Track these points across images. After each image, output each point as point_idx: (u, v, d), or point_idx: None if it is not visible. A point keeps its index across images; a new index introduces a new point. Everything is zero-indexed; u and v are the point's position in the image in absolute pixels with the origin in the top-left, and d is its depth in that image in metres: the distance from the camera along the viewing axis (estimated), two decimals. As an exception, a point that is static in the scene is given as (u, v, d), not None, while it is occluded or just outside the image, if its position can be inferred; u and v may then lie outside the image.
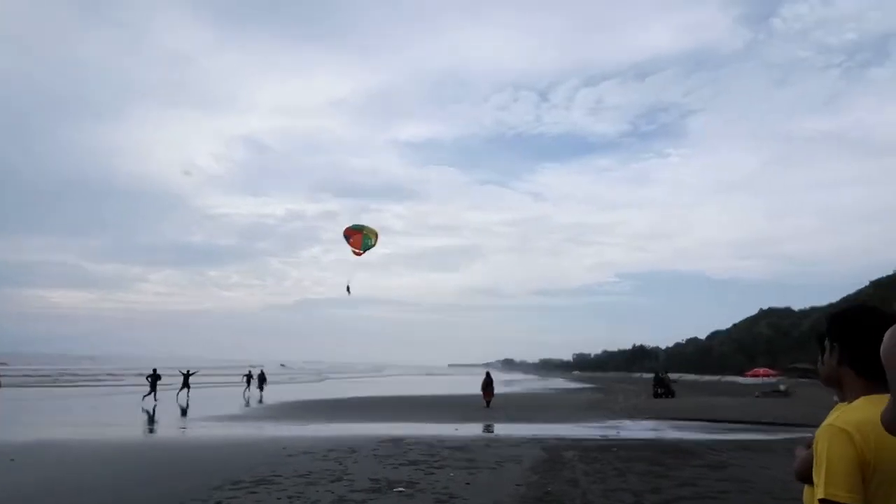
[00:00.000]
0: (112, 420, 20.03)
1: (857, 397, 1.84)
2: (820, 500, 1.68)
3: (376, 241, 19.25)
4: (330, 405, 29.79)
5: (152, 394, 27.86)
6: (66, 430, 16.73)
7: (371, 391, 43.27)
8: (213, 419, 21.71)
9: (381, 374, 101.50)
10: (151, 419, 21.60)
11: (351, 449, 12.95)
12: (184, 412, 25.13)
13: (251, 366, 46.58)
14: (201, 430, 18.37)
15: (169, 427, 18.12)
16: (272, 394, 36.24)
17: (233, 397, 32.75)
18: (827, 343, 2.02)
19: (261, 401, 31.73)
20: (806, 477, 2.59)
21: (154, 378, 28.14)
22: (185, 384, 30.71)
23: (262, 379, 37.30)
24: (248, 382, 36.53)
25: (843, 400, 2.59)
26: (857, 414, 1.75)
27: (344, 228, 19.33)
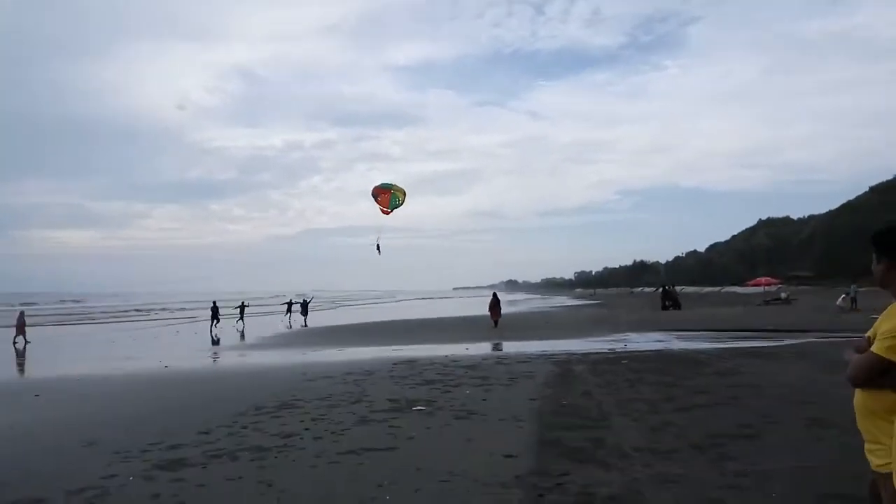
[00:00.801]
0: (136, 353, 20.44)
1: None
2: None
3: (404, 199, 19.47)
4: (343, 331, 30.35)
5: (215, 321, 32.14)
6: (99, 365, 17.11)
7: (381, 317, 43.99)
8: (231, 348, 22.16)
9: (389, 300, 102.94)
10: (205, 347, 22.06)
11: (367, 372, 13.24)
12: (242, 336, 28.96)
13: (296, 294, 52.25)
14: (221, 359, 18.77)
15: (187, 359, 18.49)
16: (273, 324, 36.97)
17: (251, 326, 33.32)
18: (875, 255, 2.62)
19: (305, 325, 35.61)
20: (863, 381, 2.60)
21: (214, 310, 32.90)
22: (241, 315, 34.91)
23: (305, 307, 40.24)
24: (289, 309, 39.92)
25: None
26: None
27: (373, 187, 19.49)
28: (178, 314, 54.80)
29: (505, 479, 5.59)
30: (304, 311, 39.75)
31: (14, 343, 24.48)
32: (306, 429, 7.98)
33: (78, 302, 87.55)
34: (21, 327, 25.65)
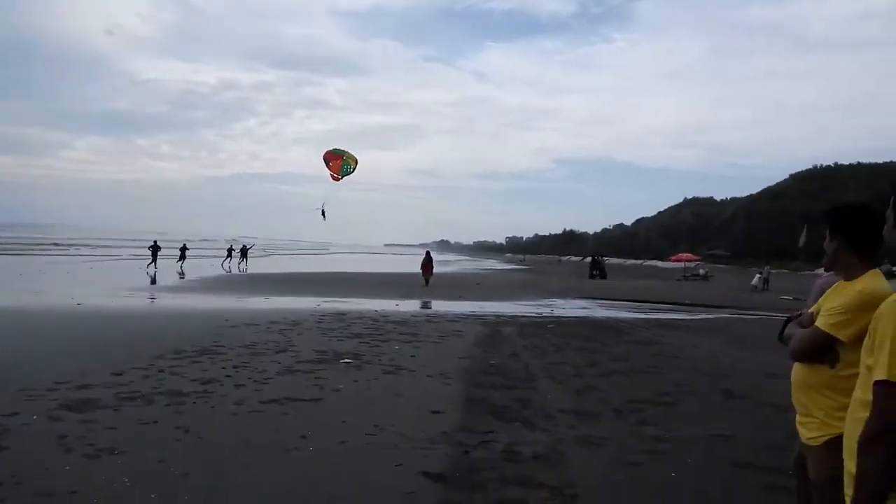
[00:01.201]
0: (48, 288, 19.29)
1: (858, 273, 2.32)
2: (880, 382, 1.57)
3: (355, 167, 19.14)
4: (271, 280, 29.67)
5: (153, 263, 31.56)
6: (4, 298, 16.04)
7: (311, 268, 43.27)
8: (150, 290, 21.27)
9: (321, 251, 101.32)
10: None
11: (294, 322, 12.96)
12: (182, 276, 29.11)
13: (233, 240, 50.85)
14: (141, 300, 17.98)
15: (103, 297, 17.62)
16: (213, 267, 35.91)
17: (171, 269, 32.08)
18: (828, 233, 2.48)
19: (245, 271, 35.25)
20: (805, 356, 2.63)
21: (155, 249, 32.50)
22: (182, 256, 35.35)
23: (245, 253, 40.25)
24: (230, 255, 39.74)
25: (847, 278, 2.62)
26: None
27: (324, 152, 18.98)
28: (100, 251, 52.31)
29: (432, 435, 5.56)
30: (244, 257, 39.82)
31: None
32: (227, 376, 7.71)
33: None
34: None
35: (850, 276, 2.59)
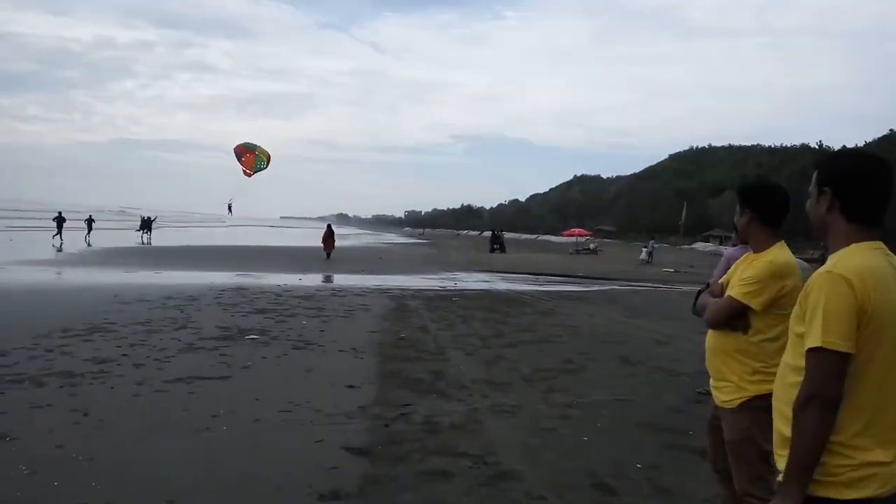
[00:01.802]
0: None
1: (844, 245, 1.77)
2: (813, 349, 1.65)
3: (268, 163, 18.54)
4: (161, 253, 28.10)
5: (59, 234, 31.28)
6: None
7: (204, 241, 41.35)
8: (28, 264, 19.55)
9: (215, 223, 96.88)
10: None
11: (191, 297, 12.38)
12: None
13: (90, 211, 45.38)
14: (15, 274, 16.49)
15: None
16: (97, 240, 33.48)
17: (45, 243, 29.61)
18: (814, 189, 1.86)
19: (149, 243, 34.98)
20: (721, 323, 2.83)
21: (60, 220, 31.82)
22: (89, 227, 35.38)
23: (148, 224, 38.79)
24: (142, 227, 38.39)
25: (757, 250, 2.83)
26: (854, 261, 1.72)
27: (235, 145, 18.09)
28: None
29: (349, 410, 5.54)
30: (147, 228, 38.64)
31: None
32: (124, 355, 7.28)
33: None
34: None
35: (759, 248, 2.81)
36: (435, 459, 4.42)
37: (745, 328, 2.71)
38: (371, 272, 22.47)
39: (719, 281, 3.02)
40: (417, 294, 15.35)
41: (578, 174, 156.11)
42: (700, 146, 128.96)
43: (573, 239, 54.14)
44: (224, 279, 16.62)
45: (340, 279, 19.38)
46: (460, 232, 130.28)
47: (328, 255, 28.15)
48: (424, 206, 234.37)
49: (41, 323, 8.85)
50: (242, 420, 5.17)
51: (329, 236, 28.97)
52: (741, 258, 2.94)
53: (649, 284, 22.35)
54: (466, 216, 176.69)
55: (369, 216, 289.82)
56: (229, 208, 20.78)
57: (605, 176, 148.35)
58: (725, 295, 2.80)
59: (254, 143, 18.85)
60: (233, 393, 5.97)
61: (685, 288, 21.35)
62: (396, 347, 8.50)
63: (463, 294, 16.00)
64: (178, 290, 13.38)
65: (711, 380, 2.89)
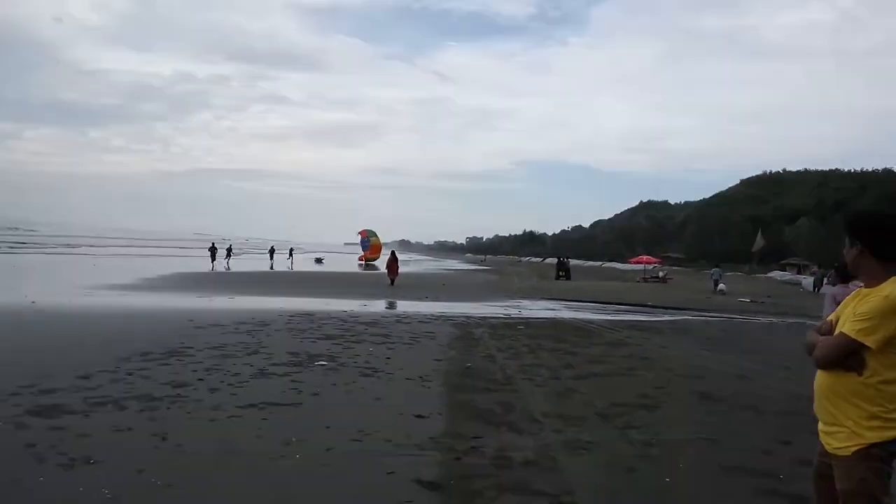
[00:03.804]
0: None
1: (881, 279, 2.50)
2: None
3: (378, 252, 21.52)
4: (234, 279, 29.04)
5: (214, 260, 38.14)
6: None
7: (274, 266, 42.52)
8: (110, 288, 20.53)
9: (282, 250, 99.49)
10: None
11: (262, 323, 12.66)
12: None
13: (219, 239, 56.01)
14: (99, 299, 17.32)
15: (59, 295, 16.92)
16: (172, 265, 35.02)
17: (125, 268, 31.13)
18: (847, 239, 2.61)
19: (228, 268, 38.12)
20: (832, 363, 2.62)
21: (213, 250, 39.23)
22: (229, 254, 42.29)
23: (229, 252, 43.79)
24: (213, 254, 41.13)
25: (869, 285, 2.62)
26: None
27: (362, 229, 20.94)
28: (59, 249, 50.41)
29: (419, 441, 5.44)
30: (227, 256, 42.62)
31: None
32: (200, 379, 7.45)
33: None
34: None
35: (872, 283, 2.59)
36: (509, 497, 4.27)
37: (860, 369, 2.49)
38: (435, 299, 22.51)
39: (828, 318, 2.80)
40: (482, 322, 15.21)
41: (645, 200, 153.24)
42: (774, 171, 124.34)
43: (641, 266, 52.89)
44: (293, 304, 16.96)
45: (405, 305, 19.46)
46: (522, 258, 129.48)
47: (392, 281, 28.42)
48: (486, 233, 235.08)
49: (122, 346, 9.19)
50: (314, 448, 5.15)
51: (393, 263, 29.27)
52: (852, 293, 2.72)
53: (724, 315, 21.47)
54: (529, 242, 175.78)
55: (431, 242, 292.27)
56: (290, 253, 23.79)
57: (672, 201, 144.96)
58: (836, 332, 2.59)
59: (375, 232, 21.70)
60: (304, 420, 5.99)
61: (764, 319, 20.42)
62: (463, 377, 8.38)
63: (529, 322, 15.76)
64: (250, 316, 13.71)
65: (821, 424, 2.67)
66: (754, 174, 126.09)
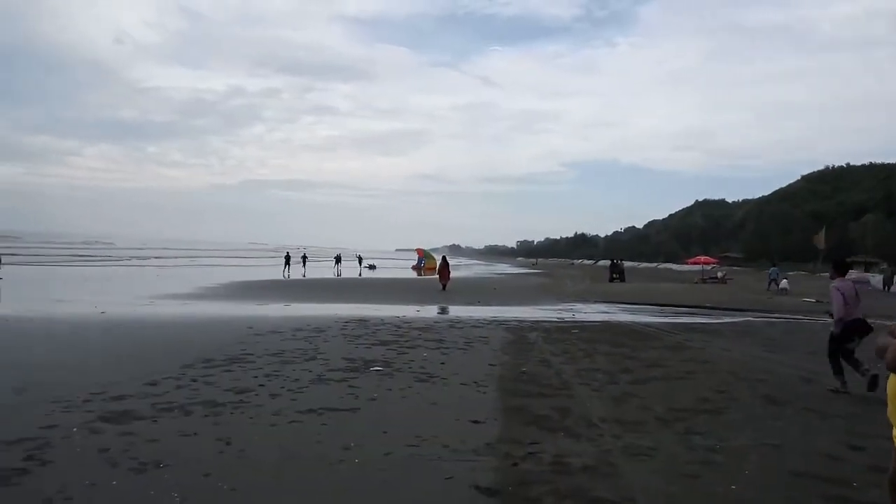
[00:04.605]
0: (72, 296, 19.37)
1: None
2: None
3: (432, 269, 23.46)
4: (288, 286, 29.67)
5: (287, 268, 39.72)
6: (28, 308, 16.07)
7: (326, 273, 43.30)
8: (173, 298, 21.29)
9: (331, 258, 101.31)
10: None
11: (318, 329, 12.89)
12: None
13: (291, 248, 58.79)
14: (162, 308, 17.98)
15: (125, 305, 17.63)
16: (229, 274, 36.05)
17: (186, 278, 32.22)
18: None
19: (288, 277, 38.30)
20: None
21: (287, 258, 41.07)
22: (304, 261, 45.38)
23: (299, 259, 45.48)
24: (287, 262, 42.35)
25: None
26: None
27: (419, 248, 23.16)
28: (132, 261, 52.60)
29: (475, 446, 5.44)
30: (288, 263, 42.69)
31: None
32: (261, 385, 7.65)
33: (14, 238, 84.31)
34: None
35: None
36: (569, 504, 4.22)
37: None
38: (487, 303, 22.47)
39: None
40: (535, 325, 15.10)
41: (700, 199, 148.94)
42: (837, 165, 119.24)
43: (698, 267, 51.55)
44: (347, 311, 17.22)
45: (457, 310, 19.49)
46: (574, 261, 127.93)
47: (444, 286, 28.51)
48: (536, 236, 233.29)
49: (185, 354, 9.51)
50: (373, 453, 5.21)
51: (444, 268, 29.38)
52: None
53: (787, 316, 20.71)
54: (580, 245, 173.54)
55: (481, 247, 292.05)
56: (371, 267, 25.33)
57: (729, 200, 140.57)
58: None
59: (430, 252, 23.80)
60: (362, 425, 6.06)
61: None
62: (518, 382, 8.33)
63: (583, 326, 15.56)
64: (306, 322, 13.98)
65: (895, 430, 2.55)
66: (816, 169, 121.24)
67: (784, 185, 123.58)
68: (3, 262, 25.17)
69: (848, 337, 7.92)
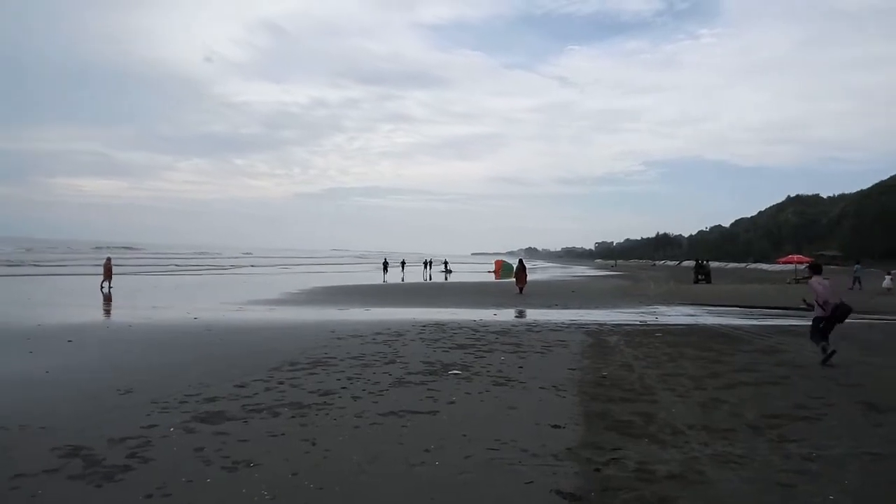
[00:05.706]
0: (169, 303, 20.57)
1: None
2: None
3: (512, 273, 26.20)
4: (367, 291, 30.34)
5: (386, 273, 45.46)
6: (129, 314, 17.18)
7: (405, 277, 43.94)
8: (259, 303, 22.20)
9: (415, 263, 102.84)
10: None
11: (397, 333, 13.11)
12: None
13: (372, 253, 64.12)
14: (250, 313, 18.78)
15: (215, 311, 18.52)
16: (312, 280, 37.25)
17: (271, 285, 33.51)
18: None
19: (403, 280, 42.50)
20: None
21: (385, 265, 47.63)
22: (403, 267, 51.17)
23: (403, 265, 51.83)
24: (386, 268, 48.63)
25: None
26: None
27: (498, 259, 26.62)
28: (230, 270, 55.33)
29: (556, 451, 5.39)
30: (402, 268, 50.29)
31: (101, 288, 26.00)
32: (343, 387, 7.85)
33: (133, 249, 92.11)
34: (108, 272, 26.80)
35: None
36: (654, 512, 4.10)
37: None
38: (564, 306, 22.17)
39: None
40: (616, 329, 14.77)
41: (792, 195, 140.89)
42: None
43: (791, 266, 48.95)
44: (425, 314, 17.42)
45: (534, 314, 19.33)
46: (656, 262, 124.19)
47: (521, 289, 28.33)
48: (616, 237, 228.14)
49: (272, 357, 9.89)
50: (452, 456, 5.25)
51: (521, 271, 29.18)
52: None
53: (888, 317, 19.35)
54: (662, 245, 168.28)
55: (558, 249, 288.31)
56: (445, 265, 27.74)
57: (824, 195, 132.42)
58: None
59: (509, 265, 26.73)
60: (441, 428, 6.12)
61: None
62: (599, 386, 8.17)
63: (667, 329, 15.08)
64: (385, 326, 14.24)
65: None
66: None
67: (886, 177, 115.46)
68: (113, 273, 26.90)
69: (839, 318, 9.92)
